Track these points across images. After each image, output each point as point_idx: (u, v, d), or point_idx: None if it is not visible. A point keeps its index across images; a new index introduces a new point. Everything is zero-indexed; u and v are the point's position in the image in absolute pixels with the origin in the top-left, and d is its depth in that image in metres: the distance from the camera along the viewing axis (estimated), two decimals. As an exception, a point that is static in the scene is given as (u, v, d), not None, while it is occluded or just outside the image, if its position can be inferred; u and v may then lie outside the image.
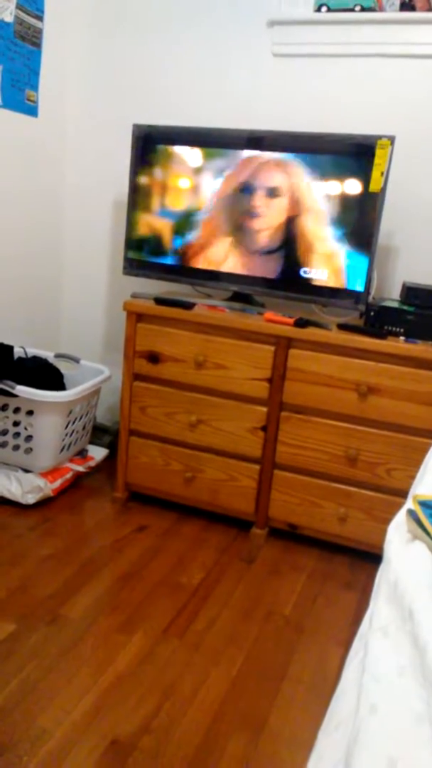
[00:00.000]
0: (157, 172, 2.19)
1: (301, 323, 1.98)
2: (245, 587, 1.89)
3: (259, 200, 2.09)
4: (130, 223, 2.26)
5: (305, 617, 1.78)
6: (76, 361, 2.48)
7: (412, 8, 2.10)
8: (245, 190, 2.10)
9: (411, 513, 0.76)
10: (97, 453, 2.48)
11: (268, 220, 2.09)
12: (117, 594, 1.79)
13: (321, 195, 2.01)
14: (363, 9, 2.13)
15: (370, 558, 2.08)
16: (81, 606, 1.72)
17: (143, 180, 2.21)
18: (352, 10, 2.14)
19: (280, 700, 1.48)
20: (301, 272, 2.08)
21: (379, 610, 0.60)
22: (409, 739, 0.44)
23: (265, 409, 2.06)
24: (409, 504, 0.80)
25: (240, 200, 2.11)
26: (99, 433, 2.64)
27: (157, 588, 1.84)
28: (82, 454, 2.42)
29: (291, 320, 1.98)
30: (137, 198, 2.23)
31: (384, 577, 0.66)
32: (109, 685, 1.46)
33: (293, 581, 1.94)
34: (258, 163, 2.06)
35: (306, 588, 1.92)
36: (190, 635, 1.66)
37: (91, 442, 2.56)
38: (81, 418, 2.33)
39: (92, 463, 2.41)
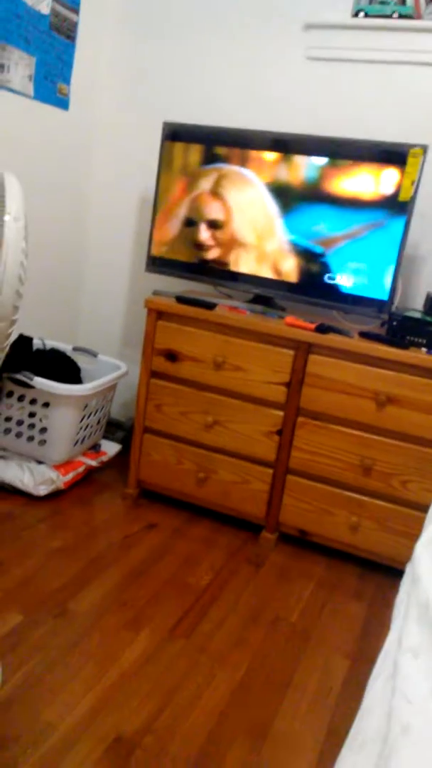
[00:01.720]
0: (185, 170, 2.18)
1: (322, 329, 1.97)
2: (253, 591, 1.88)
3: (288, 203, 2.08)
4: (155, 221, 2.25)
5: (312, 625, 1.76)
6: (94, 355, 2.48)
7: (451, 17, 2.08)
8: (272, 193, 2.09)
9: (441, 531, 0.75)
10: (110, 448, 2.48)
11: (294, 224, 2.08)
12: (125, 591, 1.78)
13: (350, 201, 2.00)
14: (401, 16, 2.11)
15: (380, 569, 2.07)
16: (88, 601, 1.71)
17: (171, 178, 2.20)
18: (389, 16, 2.12)
19: (285, 707, 1.47)
20: (325, 278, 2.07)
21: (410, 630, 0.59)
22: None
23: (281, 414, 2.05)
24: (439, 521, 0.79)
25: (265, 204, 2.10)
26: (113, 428, 2.64)
27: (164, 587, 1.83)
28: (95, 448, 2.42)
29: (312, 325, 1.97)
30: (163, 196, 2.22)
31: (414, 596, 0.65)
32: (114, 681, 1.46)
33: (301, 588, 1.93)
34: (284, 167, 2.05)
35: (314, 596, 1.90)
36: (197, 636, 1.65)
37: (105, 437, 2.56)
38: (96, 412, 2.33)
39: (105, 458, 2.41)
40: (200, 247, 2.21)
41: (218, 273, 2.20)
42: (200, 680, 1.50)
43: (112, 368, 2.42)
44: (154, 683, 1.47)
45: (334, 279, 2.06)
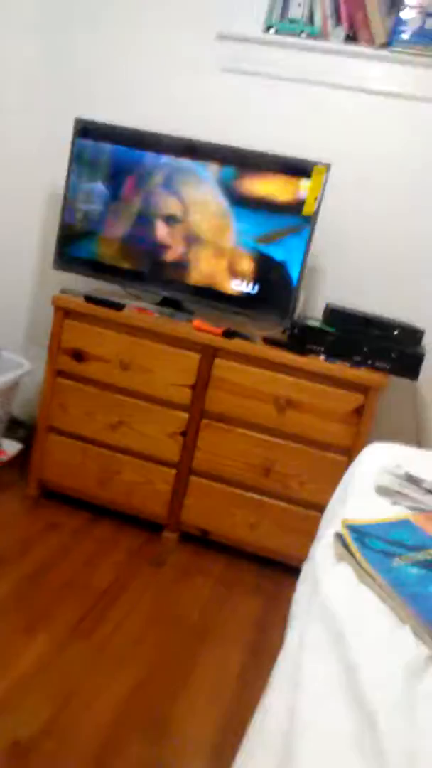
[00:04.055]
0: (95, 168, 2.16)
1: (228, 334, 2.02)
2: (154, 591, 1.90)
3: (190, 209, 2.11)
4: (64, 218, 2.22)
5: (211, 622, 1.82)
6: (-5, 351, 2.40)
7: (355, 41, 2.19)
8: (182, 197, 2.11)
9: (339, 536, 0.81)
10: (11, 447, 2.41)
11: (197, 231, 2.12)
12: (23, 593, 1.75)
13: (255, 211, 2.06)
14: (309, 36, 2.20)
15: (276, 566, 2.15)
16: (-15, 605, 1.67)
17: (81, 175, 2.17)
18: (298, 35, 2.20)
19: (182, 703, 1.51)
20: (232, 284, 2.13)
21: (310, 630, 0.64)
22: (342, 757, 0.47)
23: (186, 415, 2.08)
24: (337, 527, 0.85)
25: (173, 206, 2.12)
26: (14, 427, 2.56)
27: (64, 589, 1.82)
28: (-6, 447, 2.35)
29: (219, 330, 2.02)
30: (73, 193, 2.19)
31: (313, 597, 0.71)
32: (11, 686, 1.43)
33: (201, 586, 1.98)
34: (192, 173, 2.09)
35: (213, 593, 1.96)
36: (96, 638, 1.65)
37: (5, 437, 2.48)
38: (-4, 410, 2.26)
39: (4, 458, 2.35)
40: (110, 246, 2.19)
41: (127, 273, 2.20)
42: (99, 680, 1.51)
43: (14, 365, 2.36)
44: (52, 686, 1.46)
45: (240, 286, 2.12)
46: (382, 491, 1.01)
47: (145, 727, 1.41)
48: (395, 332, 2.02)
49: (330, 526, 0.93)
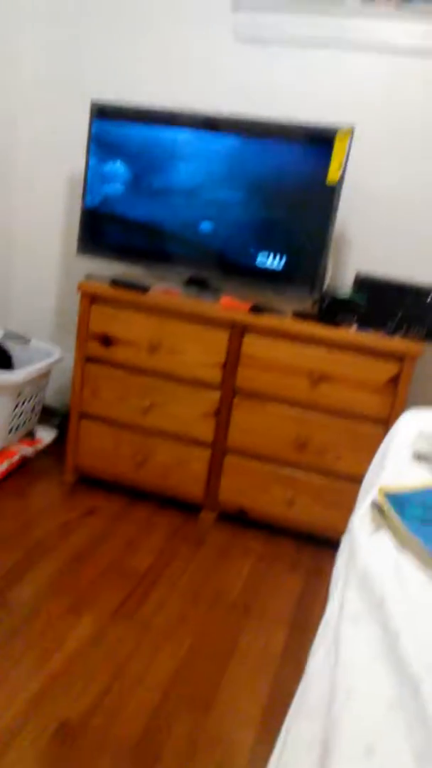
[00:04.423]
0: (114, 150, 2.14)
1: (256, 309, 1.99)
2: (194, 570, 1.91)
3: (217, 186, 2.08)
4: (85, 203, 2.21)
5: (251, 599, 1.81)
6: (27, 341, 2.42)
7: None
8: (201, 176, 2.08)
9: (375, 504, 0.78)
10: (46, 435, 2.44)
11: (224, 205, 2.08)
12: (65, 577, 1.77)
13: (279, 184, 2.02)
14: (325, -3, 2.13)
15: (315, 541, 2.14)
16: (28, 589, 1.70)
17: (99, 158, 2.16)
18: (315, -3, 2.13)
19: (227, 679, 1.51)
20: (258, 259, 2.09)
21: (349, 598, 0.62)
22: (384, 725, 0.46)
23: (218, 395, 2.07)
24: (373, 495, 0.82)
25: (198, 183, 2.09)
26: (48, 415, 2.59)
27: (106, 571, 1.83)
28: (30, 436, 2.38)
29: (247, 306, 1.99)
30: (93, 176, 2.18)
31: (352, 566, 0.69)
32: (58, 667, 1.46)
33: (241, 564, 1.98)
34: (215, 147, 2.05)
35: (253, 571, 1.95)
36: (139, 618, 1.66)
37: (40, 424, 2.51)
38: (30, 399, 2.28)
39: (40, 446, 2.37)
40: (133, 229, 2.18)
41: (152, 255, 2.18)
42: (144, 659, 1.52)
43: (45, 354, 2.37)
44: (98, 666, 1.48)
45: (267, 260, 2.09)
46: (421, 457, 0.97)
47: (190, 702, 1.41)
48: (429, 298, 1.96)
49: (368, 496, 0.91)
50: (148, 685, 1.45)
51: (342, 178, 1.96)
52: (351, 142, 1.95)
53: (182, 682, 1.47)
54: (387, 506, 0.77)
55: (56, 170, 2.53)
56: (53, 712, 1.33)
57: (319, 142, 1.96)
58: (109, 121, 2.12)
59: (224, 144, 2.04)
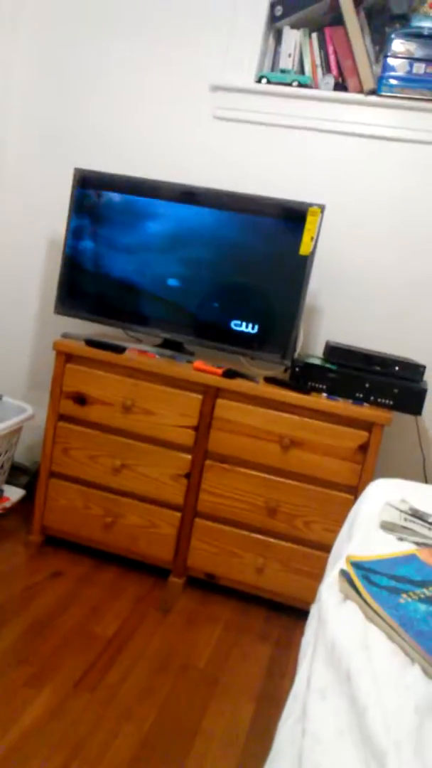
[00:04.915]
0: (95, 216, 2.21)
1: (229, 374, 2.03)
2: (161, 639, 1.86)
3: (193, 254, 2.15)
4: (65, 264, 2.25)
5: (219, 670, 1.77)
6: (-2, 397, 2.41)
7: (345, 89, 2.27)
8: (179, 243, 2.15)
9: (344, 573, 0.79)
10: (13, 494, 2.39)
11: (200, 273, 2.15)
12: (26, 645, 1.71)
13: (253, 254, 2.10)
14: (300, 85, 2.27)
15: (285, 610, 2.11)
16: (-12, 657, 1.63)
17: (81, 222, 2.22)
18: (289, 84, 2.28)
19: (193, 756, 1.45)
20: (232, 324, 2.14)
21: (317, 671, 0.62)
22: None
23: (189, 457, 2.07)
24: (342, 564, 0.83)
25: (176, 251, 2.16)
26: (17, 473, 2.55)
27: (69, 638, 1.77)
28: (-3, 494, 2.34)
29: (220, 370, 2.03)
30: (73, 240, 2.24)
31: (321, 638, 0.69)
32: (15, 742, 1.39)
33: (209, 633, 1.93)
34: (193, 219, 2.13)
35: (221, 640, 1.91)
36: (102, 689, 1.61)
37: (8, 483, 2.47)
38: (-1, 456, 2.25)
39: (7, 504, 2.33)
40: (109, 291, 2.22)
41: (127, 317, 2.22)
42: (106, 734, 1.46)
43: (17, 411, 2.36)
44: (58, 741, 1.41)
45: (240, 326, 2.14)
46: (388, 527, 0.99)
47: (153, 782, 1.35)
48: (396, 368, 2.03)
49: (336, 564, 0.91)
50: (109, 763, 1.39)
51: (313, 251, 2.04)
52: (322, 218, 2.05)
53: (146, 758, 1.42)
54: (354, 575, 0.77)
55: (36, 231, 2.58)
56: (7, 792, 1.26)
57: (291, 217, 2.05)
58: (90, 189, 2.20)
59: (201, 215, 2.13)
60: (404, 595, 0.74)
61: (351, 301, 2.34)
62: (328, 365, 2.06)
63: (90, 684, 1.61)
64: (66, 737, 1.43)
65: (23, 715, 1.47)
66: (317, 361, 2.09)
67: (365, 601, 0.73)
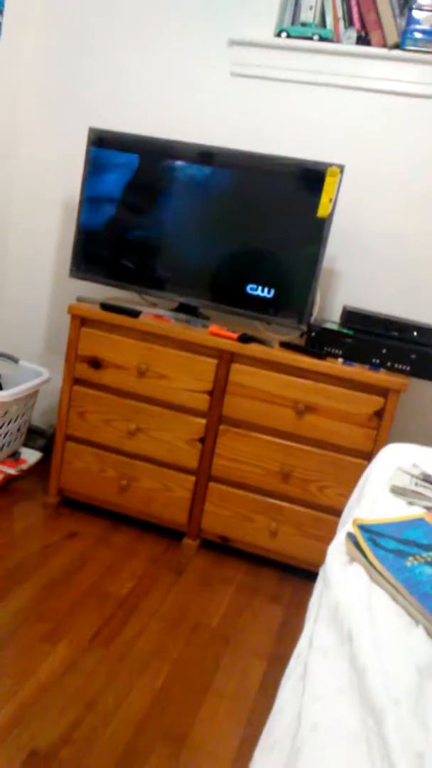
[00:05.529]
0: (110, 177, 2.17)
1: (244, 338, 2.01)
2: (174, 598, 1.89)
3: (210, 215, 2.11)
4: (79, 227, 2.23)
5: (231, 630, 1.79)
6: (15, 361, 2.42)
7: (368, 43, 2.18)
8: (194, 205, 2.12)
9: (350, 536, 0.79)
10: (31, 456, 2.42)
11: (216, 236, 2.11)
12: (43, 602, 1.75)
13: (270, 215, 2.06)
14: (321, 39, 2.19)
15: (298, 573, 2.13)
16: (4, 614, 1.67)
17: (95, 184, 2.19)
18: (310, 38, 2.20)
19: (203, 712, 1.49)
20: (248, 289, 2.12)
21: (319, 631, 0.62)
22: (347, 759, 0.46)
23: (203, 421, 2.07)
24: (349, 527, 0.83)
25: (191, 213, 2.13)
26: (33, 435, 2.58)
27: (84, 597, 1.81)
28: (14, 456, 2.37)
29: (235, 335, 2.01)
30: (88, 202, 2.21)
31: (324, 599, 0.69)
32: (30, 695, 1.43)
33: (221, 593, 1.96)
34: (210, 179, 2.09)
35: (234, 600, 1.94)
36: (116, 646, 1.64)
37: (25, 445, 2.50)
38: (16, 419, 2.28)
39: (24, 467, 2.36)
40: (125, 254, 2.20)
41: (143, 280, 2.21)
42: (119, 690, 1.50)
43: (33, 375, 2.38)
44: (72, 695, 1.46)
45: (256, 290, 2.11)
46: (398, 491, 0.98)
47: (165, 737, 1.39)
48: (414, 333, 1.99)
49: (344, 528, 0.91)
50: (122, 717, 1.42)
51: (332, 213, 2.00)
52: (341, 179, 1.99)
53: (157, 715, 1.45)
54: (360, 538, 0.77)
55: (52, 194, 2.56)
56: (24, 741, 1.31)
57: (310, 178, 2.00)
58: (105, 149, 2.16)
59: (218, 176, 2.08)
60: (411, 558, 0.74)
61: (369, 266, 2.29)
62: (344, 330, 2.03)
63: (104, 640, 1.65)
64: (80, 691, 1.47)
65: (39, 669, 1.51)
66: (334, 326, 2.07)
67: (371, 563, 0.73)
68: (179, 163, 2.11)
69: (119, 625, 1.72)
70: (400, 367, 1.98)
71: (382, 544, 0.76)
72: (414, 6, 2.08)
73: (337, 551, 0.79)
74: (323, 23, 2.22)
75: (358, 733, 0.48)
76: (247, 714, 1.50)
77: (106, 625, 1.71)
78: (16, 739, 1.31)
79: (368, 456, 1.96)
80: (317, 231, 2.02)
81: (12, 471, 2.30)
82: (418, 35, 2.10)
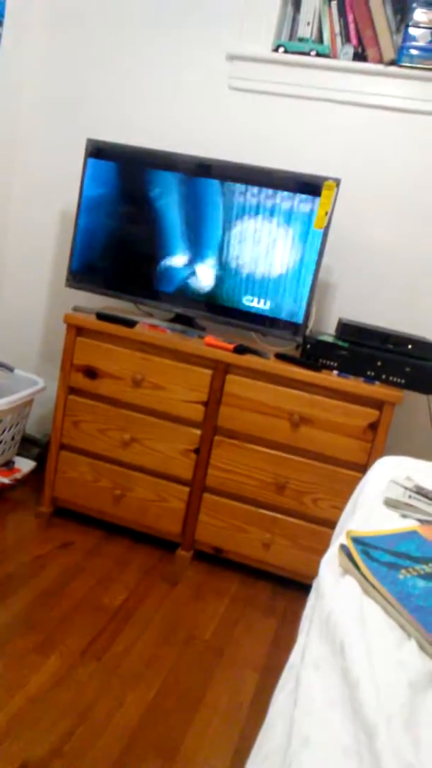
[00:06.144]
0: (107, 188, 2.19)
1: (240, 350, 2.01)
2: (167, 610, 1.88)
3: (205, 227, 2.13)
4: (76, 236, 2.24)
5: (225, 642, 1.79)
6: (10, 370, 2.42)
7: (364, 59, 2.21)
8: (191, 216, 2.13)
9: (343, 548, 0.79)
10: (25, 465, 2.42)
11: (209, 248, 2.13)
12: (35, 613, 1.74)
13: (267, 228, 2.07)
14: (318, 54, 2.22)
15: (291, 585, 2.12)
16: (-3, 624, 1.66)
17: (92, 195, 2.20)
18: (307, 54, 2.22)
19: (196, 725, 1.48)
20: (244, 300, 2.13)
21: (312, 644, 0.62)
22: (338, 772, 0.45)
23: (198, 432, 2.07)
24: (342, 539, 0.83)
25: (188, 225, 2.14)
26: (28, 444, 2.57)
27: (77, 608, 1.80)
28: (8, 465, 2.36)
29: (230, 346, 2.02)
30: (85, 212, 2.22)
31: (317, 611, 0.69)
32: (21, 707, 1.42)
33: (215, 605, 1.95)
34: (207, 191, 2.10)
35: (227, 612, 1.93)
36: (109, 658, 1.63)
37: (19, 454, 2.49)
38: (11, 428, 2.27)
39: (18, 476, 2.35)
40: (121, 264, 2.21)
41: (139, 291, 2.21)
42: (111, 702, 1.49)
43: (28, 383, 2.37)
44: (63, 707, 1.44)
45: (252, 302, 2.12)
46: (391, 503, 0.98)
47: (157, 749, 1.38)
48: (409, 346, 2.00)
49: (338, 540, 0.91)
50: (114, 729, 1.41)
51: (328, 226, 2.01)
52: (337, 192, 2.01)
53: (149, 728, 1.44)
54: (354, 550, 0.77)
55: (50, 203, 2.57)
56: (15, 753, 1.29)
57: (306, 191, 2.02)
58: (103, 160, 2.17)
59: (215, 188, 2.10)
60: (404, 571, 0.74)
61: (365, 279, 2.31)
62: (339, 342, 2.04)
63: (96, 652, 1.64)
64: (72, 703, 1.46)
65: (30, 681, 1.50)
66: (329, 339, 2.07)
67: (363, 576, 0.73)
68: (177, 174, 2.12)
69: (112, 637, 1.71)
70: (394, 380, 1.98)
71: (375, 556, 0.76)
72: (410, 23, 2.11)
73: (330, 563, 0.79)
74: (320, 39, 2.24)
75: (350, 747, 0.48)
76: (240, 726, 1.49)
77: (99, 636, 1.70)
78: (6, 751, 1.29)
79: (363, 468, 1.97)
80: (313, 244, 2.03)
81: (5, 480, 2.29)
82: (414, 52, 2.12)
